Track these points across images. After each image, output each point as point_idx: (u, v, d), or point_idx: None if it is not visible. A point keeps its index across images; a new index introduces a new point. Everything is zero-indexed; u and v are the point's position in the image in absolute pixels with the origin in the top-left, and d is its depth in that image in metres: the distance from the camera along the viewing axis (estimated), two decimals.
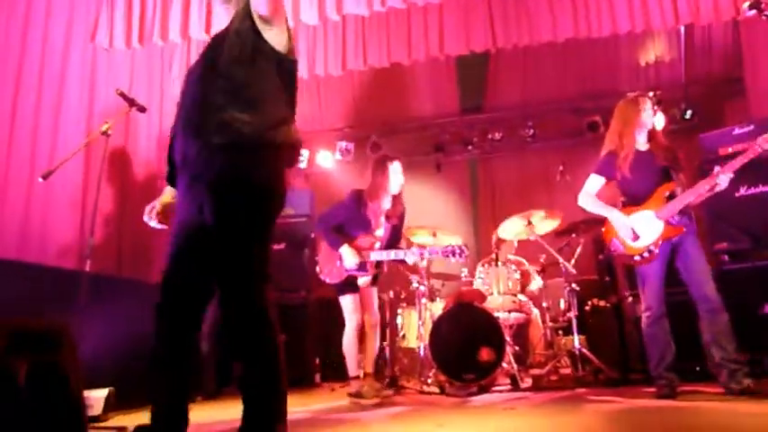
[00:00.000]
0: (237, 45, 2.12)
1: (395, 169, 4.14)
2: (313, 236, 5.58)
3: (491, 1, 4.95)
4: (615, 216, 3.52)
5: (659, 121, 3.67)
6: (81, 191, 4.34)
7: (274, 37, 2.16)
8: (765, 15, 2.49)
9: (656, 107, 3.62)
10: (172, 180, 2.31)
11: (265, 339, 2.00)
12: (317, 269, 4.26)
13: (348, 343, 4.10)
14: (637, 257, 3.41)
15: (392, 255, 4.10)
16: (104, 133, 3.38)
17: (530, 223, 4.90)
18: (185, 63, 5.37)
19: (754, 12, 2.52)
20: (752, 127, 4.13)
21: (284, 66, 2.21)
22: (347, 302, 4.11)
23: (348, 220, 4.15)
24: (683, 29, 5.60)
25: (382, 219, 4.18)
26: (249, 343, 1.99)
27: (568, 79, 6.48)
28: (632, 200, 3.56)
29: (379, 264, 4.17)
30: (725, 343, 3.19)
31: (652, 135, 3.57)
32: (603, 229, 3.64)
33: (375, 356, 4.21)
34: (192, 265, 2.10)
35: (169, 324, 2.11)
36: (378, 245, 4.12)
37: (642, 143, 3.56)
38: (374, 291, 4.27)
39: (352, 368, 4.14)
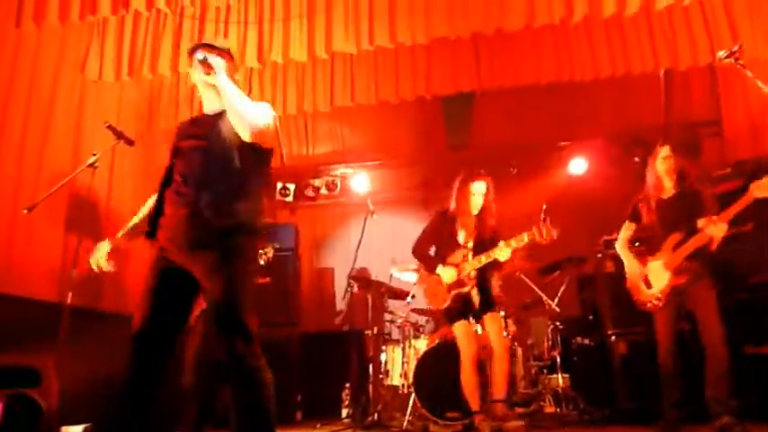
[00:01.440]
0: (230, 137, 2.31)
1: (476, 189, 4.05)
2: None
3: (477, 43, 5.06)
4: (630, 266, 3.78)
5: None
6: (64, 222, 4.30)
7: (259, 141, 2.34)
8: (740, 64, 2.59)
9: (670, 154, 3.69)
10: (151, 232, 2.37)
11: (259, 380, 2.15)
12: (426, 302, 4.23)
13: (464, 376, 3.85)
14: (648, 304, 3.65)
15: (483, 259, 3.92)
16: (91, 165, 3.38)
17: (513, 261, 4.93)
18: (174, 96, 5.40)
19: (729, 60, 2.62)
20: (728, 170, 4.24)
21: (264, 157, 2.42)
22: (459, 331, 3.93)
23: (438, 242, 4.14)
24: (662, 72, 5.76)
25: (468, 234, 4.09)
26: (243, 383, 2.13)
27: (552, 120, 6.60)
28: (652, 248, 3.72)
29: (481, 276, 4.02)
30: (718, 385, 3.30)
31: (681, 181, 3.67)
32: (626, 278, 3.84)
33: (506, 382, 3.87)
34: (170, 307, 2.25)
35: (145, 354, 2.19)
36: (471, 255, 4.01)
37: (669, 189, 3.70)
38: (495, 316, 4.01)
39: (472, 402, 3.82)
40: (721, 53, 2.66)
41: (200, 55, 2.39)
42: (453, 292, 3.95)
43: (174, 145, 2.43)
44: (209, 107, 2.51)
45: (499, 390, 3.77)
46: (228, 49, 2.51)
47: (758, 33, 4.57)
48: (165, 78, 5.18)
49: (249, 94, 5.34)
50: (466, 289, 3.97)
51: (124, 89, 5.15)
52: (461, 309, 3.97)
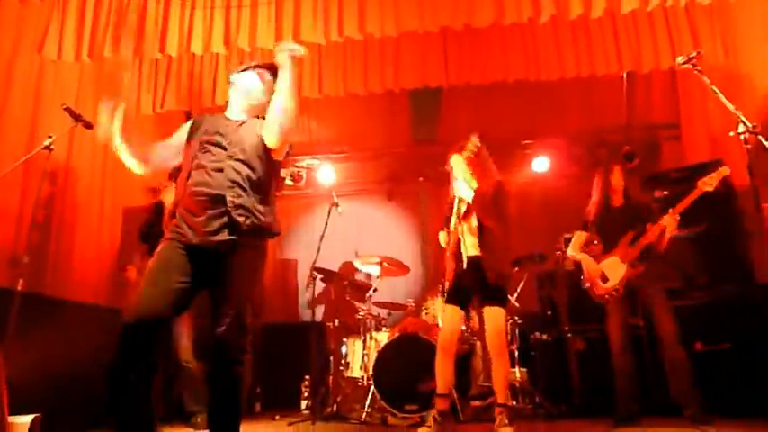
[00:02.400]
0: (259, 144, 2.51)
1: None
2: None
3: (446, 38, 5.08)
4: (587, 263, 4.01)
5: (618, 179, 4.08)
6: (18, 206, 4.16)
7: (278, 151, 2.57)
8: (697, 70, 2.66)
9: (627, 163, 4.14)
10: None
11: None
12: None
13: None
14: (607, 296, 3.86)
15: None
16: (47, 148, 3.27)
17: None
18: (137, 81, 5.27)
19: (687, 66, 2.69)
20: (686, 173, 4.37)
21: (279, 166, 2.65)
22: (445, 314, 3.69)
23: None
24: (625, 75, 5.87)
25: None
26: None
27: (518, 117, 6.67)
28: (607, 248, 3.98)
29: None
30: (680, 380, 3.53)
31: (627, 192, 4.05)
32: (582, 276, 4.08)
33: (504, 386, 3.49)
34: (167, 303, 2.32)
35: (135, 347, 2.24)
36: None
37: (618, 199, 4.04)
38: (495, 311, 3.49)
39: (438, 384, 3.57)
40: (680, 59, 2.73)
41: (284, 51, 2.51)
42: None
43: (199, 142, 2.53)
44: (237, 113, 2.66)
45: (498, 393, 3.44)
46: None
47: (717, 41, 4.71)
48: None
49: (215, 82, 5.27)
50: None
51: (85, 71, 5.01)
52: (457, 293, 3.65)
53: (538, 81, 5.08)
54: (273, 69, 2.60)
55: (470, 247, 3.60)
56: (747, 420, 3.51)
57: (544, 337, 5.04)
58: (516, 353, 4.79)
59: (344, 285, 5.58)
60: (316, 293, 5.65)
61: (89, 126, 3.29)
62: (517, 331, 4.85)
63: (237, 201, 2.37)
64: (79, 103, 4.69)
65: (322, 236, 4.99)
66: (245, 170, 2.44)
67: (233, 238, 2.34)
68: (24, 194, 4.17)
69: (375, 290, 5.22)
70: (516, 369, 4.76)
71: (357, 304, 5.24)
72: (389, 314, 5.49)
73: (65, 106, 3.31)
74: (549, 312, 5.02)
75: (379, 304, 5.36)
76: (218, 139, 2.51)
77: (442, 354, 3.58)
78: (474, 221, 3.60)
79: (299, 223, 7.26)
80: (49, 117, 4.42)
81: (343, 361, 5.10)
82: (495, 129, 6.74)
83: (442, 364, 3.57)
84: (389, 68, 5.13)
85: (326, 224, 5.10)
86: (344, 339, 5.19)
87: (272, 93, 2.56)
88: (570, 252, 4.19)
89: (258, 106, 2.66)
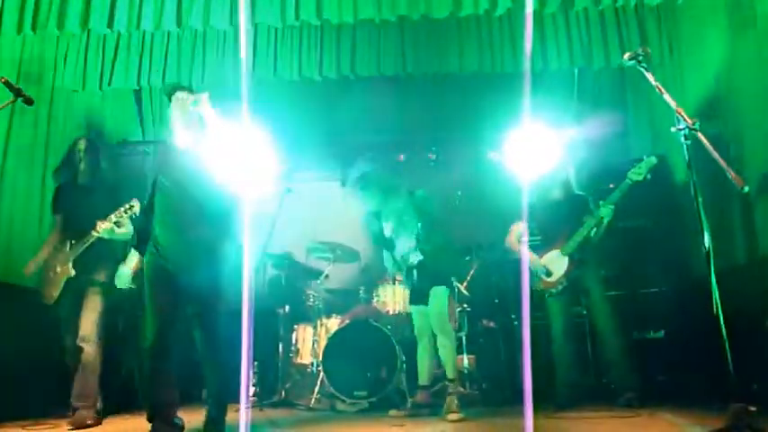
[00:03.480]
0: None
1: None
2: None
3: (403, 28, 5.08)
4: (530, 259, 4.09)
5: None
6: None
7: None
8: (642, 66, 2.74)
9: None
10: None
11: None
12: None
13: None
14: (553, 290, 3.99)
15: None
16: None
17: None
18: (83, 56, 5.08)
19: (633, 62, 2.77)
20: (628, 166, 4.51)
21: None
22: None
23: None
24: (576, 71, 6.00)
25: None
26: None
27: (473, 110, 6.73)
28: (547, 242, 4.12)
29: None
30: (614, 367, 3.79)
31: (564, 185, 4.16)
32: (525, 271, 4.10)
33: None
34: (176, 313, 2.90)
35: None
36: None
37: (556, 193, 4.15)
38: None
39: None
40: (626, 56, 2.81)
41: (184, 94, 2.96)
42: None
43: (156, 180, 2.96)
44: (182, 142, 2.96)
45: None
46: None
47: (663, 41, 4.88)
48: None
49: (165, 61, 5.12)
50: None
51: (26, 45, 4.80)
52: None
53: (492, 73, 5.16)
54: None
55: None
56: (681, 406, 3.66)
57: (491, 324, 5.14)
58: (464, 340, 4.88)
59: (295, 271, 5.55)
60: (266, 279, 5.61)
61: (30, 102, 3.15)
62: (466, 319, 4.94)
63: None
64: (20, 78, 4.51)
65: (274, 221, 4.93)
66: None
67: None
68: None
69: (327, 276, 5.21)
70: (464, 356, 4.85)
71: (308, 291, 5.22)
72: (340, 301, 5.49)
73: (3, 80, 3.16)
74: (497, 300, 5.11)
75: (330, 291, 5.36)
76: None
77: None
78: None
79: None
80: None
81: (292, 347, 5.08)
82: (449, 121, 6.83)
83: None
84: (345, 54, 5.11)
85: (279, 208, 5.04)
86: (295, 326, 5.16)
87: None
88: (510, 243, 4.31)
89: None
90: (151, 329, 2.81)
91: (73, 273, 3.67)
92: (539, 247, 4.18)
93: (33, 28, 4.32)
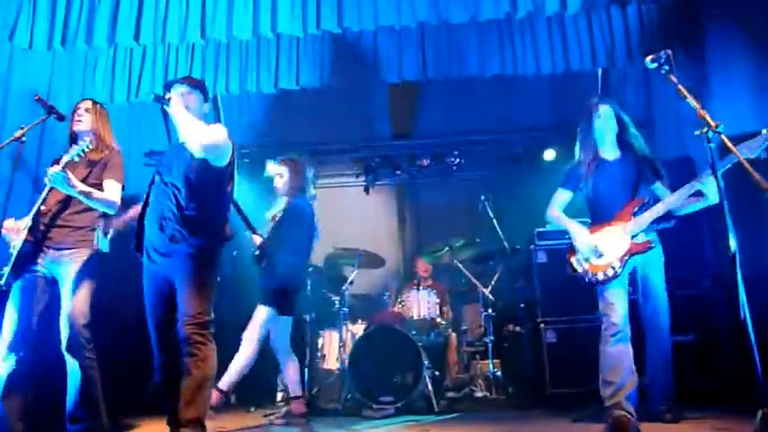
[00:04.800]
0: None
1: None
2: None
3: (423, 33, 5.09)
4: (576, 232, 3.31)
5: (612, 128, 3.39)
6: None
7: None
8: (664, 69, 2.70)
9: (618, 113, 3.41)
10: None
11: None
12: None
13: None
14: (600, 275, 3.19)
15: None
16: (18, 140, 3.21)
17: (450, 249, 5.04)
18: (111, 71, 5.20)
19: (655, 65, 2.73)
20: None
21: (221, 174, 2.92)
22: None
23: None
24: (600, 71, 5.95)
25: None
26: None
27: (495, 112, 6.71)
28: (599, 218, 3.33)
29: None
30: (658, 373, 3.30)
31: (625, 143, 3.38)
32: (567, 248, 3.42)
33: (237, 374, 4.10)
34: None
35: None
36: None
37: (611, 152, 3.40)
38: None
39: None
40: (648, 59, 2.77)
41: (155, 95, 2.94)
42: None
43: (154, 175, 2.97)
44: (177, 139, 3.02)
45: None
46: (191, 80, 3.08)
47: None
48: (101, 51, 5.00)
49: (190, 72, 5.21)
50: None
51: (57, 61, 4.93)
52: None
53: (514, 76, 5.14)
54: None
55: None
56: (709, 411, 3.57)
57: (517, 329, 5.12)
58: (490, 345, 4.86)
59: (321, 278, 5.59)
60: None
61: (61, 118, 3.24)
62: (491, 324, 4.93)
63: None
64: (51, 94, 4.63)
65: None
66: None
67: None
68: None
69: (351, 282, 5.25)
70: (490, 361, 4.83)
71: (333, 297, 5.26)
72: (365, 306, 5.52)
73: (37, 97, 3.26)
74: (523, 305, 5.08)
75: (355, 297, 5.39)
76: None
77: None
78: None
79: None
80: (19, 108, 4.34)
81: (318, 353, 5.12)
82: (471, 124, 6.82)
83: None
84: (368, 62, 5.14)
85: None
86: (320, 332, 5.21)
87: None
88: (550, 215, 3.48)
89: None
90: (154, 346, 2.85)
91: None
92: (588, 222, 3.42)
93: (63, 43, 4.44)
